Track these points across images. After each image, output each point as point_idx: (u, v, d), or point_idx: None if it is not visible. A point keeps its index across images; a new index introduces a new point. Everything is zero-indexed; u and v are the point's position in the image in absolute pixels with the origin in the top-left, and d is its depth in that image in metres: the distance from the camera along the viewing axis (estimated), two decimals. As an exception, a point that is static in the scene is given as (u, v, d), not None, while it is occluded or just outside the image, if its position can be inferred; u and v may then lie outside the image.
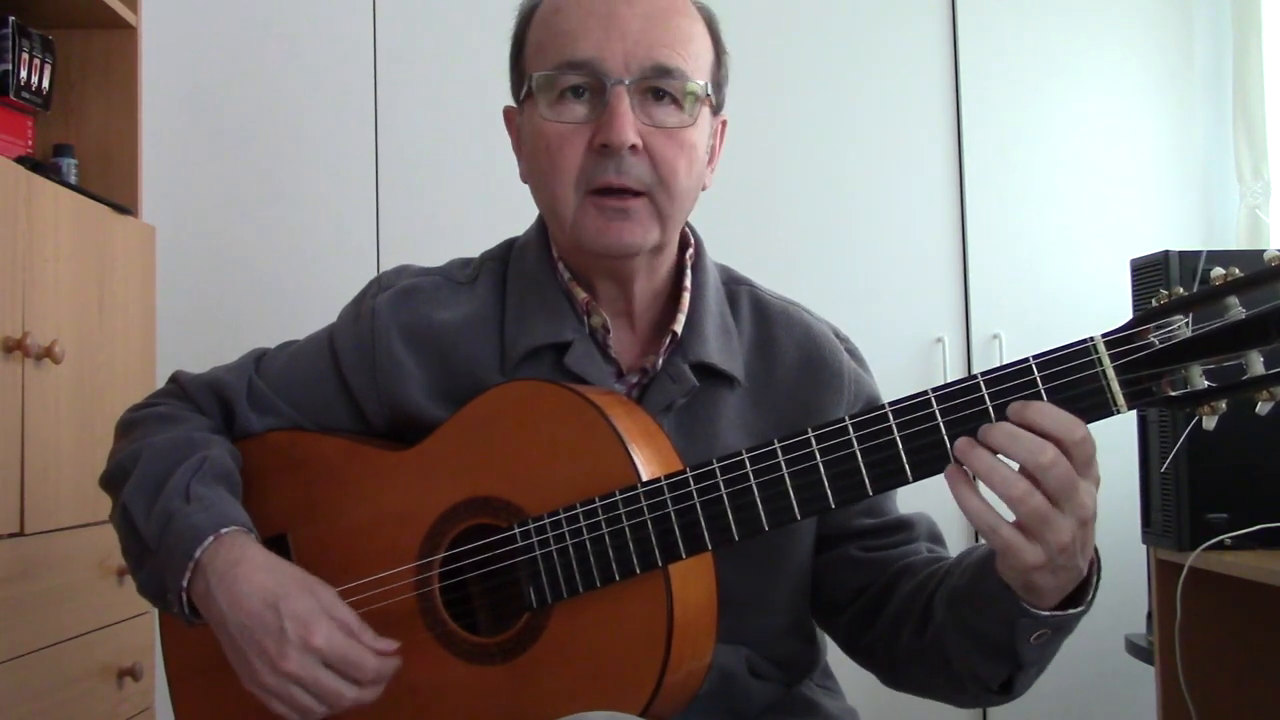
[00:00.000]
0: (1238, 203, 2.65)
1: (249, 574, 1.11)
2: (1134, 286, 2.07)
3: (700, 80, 1.17)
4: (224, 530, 1.14)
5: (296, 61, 2.71)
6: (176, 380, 1.33)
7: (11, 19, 2.15)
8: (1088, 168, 2.72)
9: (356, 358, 1.25)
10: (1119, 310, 2.09)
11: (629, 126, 1.12)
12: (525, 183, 1.25)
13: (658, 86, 1.15)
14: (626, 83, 1.13)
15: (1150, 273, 2.01)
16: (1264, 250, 0.95)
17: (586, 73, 1.14)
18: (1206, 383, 0.96)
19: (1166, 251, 1.97)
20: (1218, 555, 1.92)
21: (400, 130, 2.70)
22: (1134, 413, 1.10)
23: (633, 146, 1.13)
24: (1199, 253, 1.97)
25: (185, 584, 1.13)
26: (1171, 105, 2.74)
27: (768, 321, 1.27)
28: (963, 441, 0.98)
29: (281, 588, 1.11)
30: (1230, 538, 1.93)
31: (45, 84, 2.25)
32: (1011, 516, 0.98)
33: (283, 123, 2.70)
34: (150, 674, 2.20)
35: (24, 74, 2.18)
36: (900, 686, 1.26)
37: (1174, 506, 1.99)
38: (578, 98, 1.15)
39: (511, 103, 1.27)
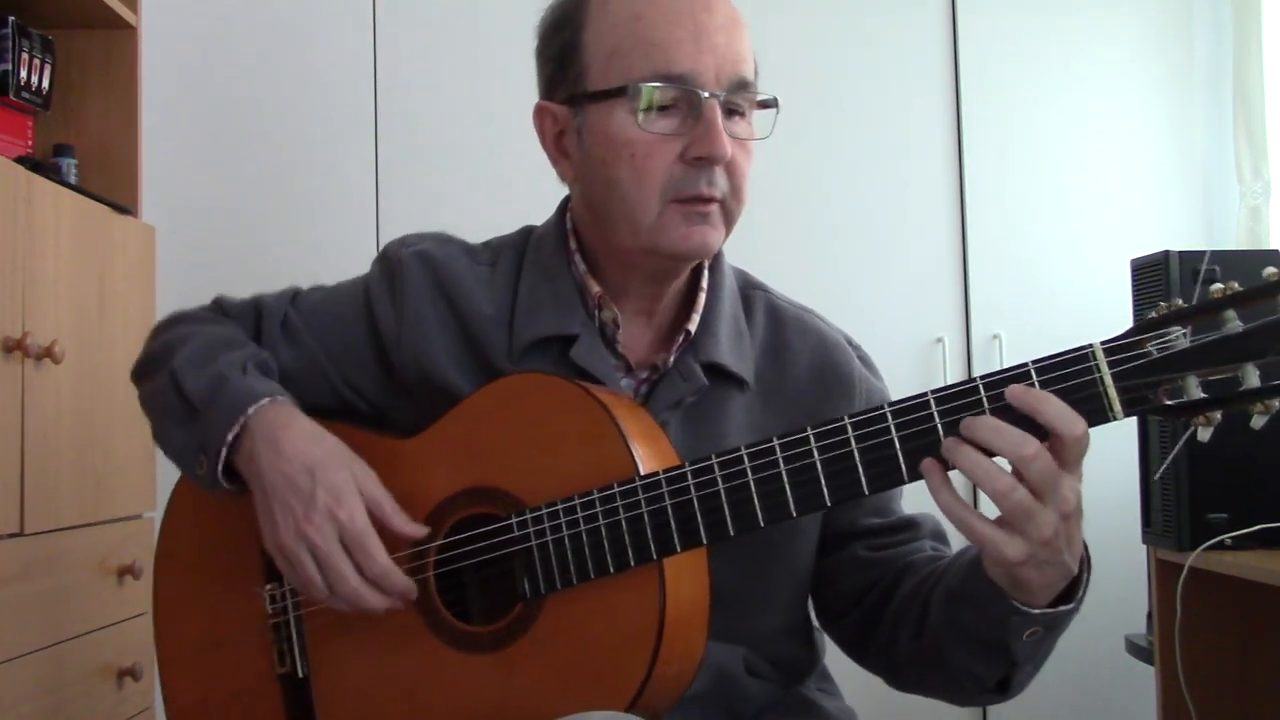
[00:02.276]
0: (1238, 203, 2.65)
1: (295, 437, 1.15)
2: (1134, 287, 2.07)
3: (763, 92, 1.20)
4: (279, 397, 1.18)
5: (296, 61, 2.70)
6: (219, 302, 1.37)
7: (11, 19, 2.15)
8: (1088, 168, 2.72)
9: (387, 307, 1.26)
10: (1119, 311, 2.10)
11: (728, 142, 1.14)
12: (569, 182, 1.25)
13: (738, 100, 1.17)
14: (720, 97, 1.15)
15: (1150, 273, 2.01)
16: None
17: (681, 85, 1.14)
18: (1202, 394, 0.97)
19: (1166, 251, 1.97)
20: (1218, 555, 1.92)
21: (400, 130, 2.70)
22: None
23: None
24: (1200, 253, 1.97)
25: (230, 438, 1.16)
26: (1171, 105, 2.74)
27: (782, 327, 1.28)
28: (949, 441, 0.99)
29: (321, 458, 1.14)
30: (1230, 538, 1.94)
31: (45, 84, 2.25)
32: (996, 513, 0.98)
33: (283, 122, 2.70)
34: (150, 674, 2.20)
35: (24, 74, 2.18)
36: (903, 687, 1.26)
37: (1174, 506, 1.99)
38: (665, 109, 1.15)
39: (536, 97, 1.25)
